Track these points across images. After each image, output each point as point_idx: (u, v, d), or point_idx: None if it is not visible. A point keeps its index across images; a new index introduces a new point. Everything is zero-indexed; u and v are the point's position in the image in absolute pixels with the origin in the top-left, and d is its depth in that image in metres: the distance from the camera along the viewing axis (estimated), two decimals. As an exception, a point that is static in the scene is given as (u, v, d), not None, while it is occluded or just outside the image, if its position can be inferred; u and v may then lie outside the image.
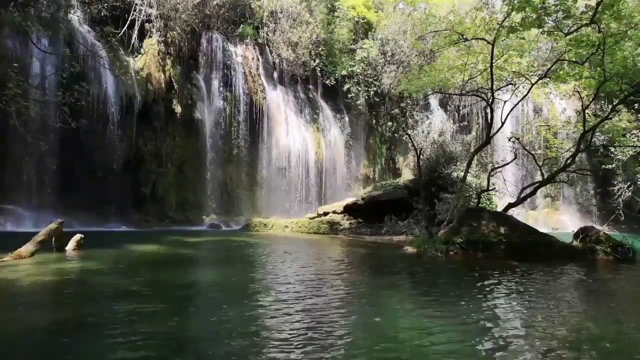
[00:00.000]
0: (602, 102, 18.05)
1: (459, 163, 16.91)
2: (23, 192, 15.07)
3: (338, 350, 3.35)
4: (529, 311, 4.76)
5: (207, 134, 20.29)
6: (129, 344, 3.44)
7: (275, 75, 23.71)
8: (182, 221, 18.84)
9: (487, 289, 6.01)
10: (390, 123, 26.28)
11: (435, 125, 22.48)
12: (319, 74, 24.86)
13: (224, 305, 4.82)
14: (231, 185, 21.12)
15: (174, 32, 19.67)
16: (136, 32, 18.65)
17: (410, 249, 10.23)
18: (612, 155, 18.03)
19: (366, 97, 25.38)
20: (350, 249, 11.07)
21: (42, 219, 13.56)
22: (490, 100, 11.83)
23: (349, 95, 25.18)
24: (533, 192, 13.02)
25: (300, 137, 23.06)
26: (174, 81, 19.68)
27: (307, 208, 21.85)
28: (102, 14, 17.98)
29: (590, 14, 9.42)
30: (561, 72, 12.23)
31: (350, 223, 16.49)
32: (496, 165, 14.47)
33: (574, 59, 10.93)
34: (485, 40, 11.30)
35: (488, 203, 14.81)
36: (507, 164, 13.36)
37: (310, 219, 17.48)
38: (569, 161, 11.92)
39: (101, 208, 16.17)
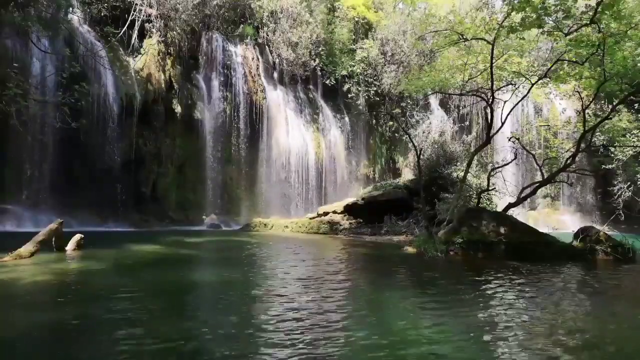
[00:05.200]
0: (602, 102, 18.06)
1: (459, 163, 16.91)
2: (23, 192, 15.07)
3: (337, 351, 3.35)
4: (529, 311, 4.75)
5: (207, 134, 20.28)
6: (128, 344, 3.44)
7: (276, 75, 23.71)
8: (182, 221, 18.83)
9: (487, 289, 6.00)
10: (390, 123, 26.27)
11: (435, 125, 22.50)
12: (319, 74, 24.86)
13: (224, 306, 4.82)
14: (231, 185, 21.11)
15: (174, 32, 19.66)
16: (136, 32, 18.64)
17: (410, 249, 10.23)
18: (612, 155, 18.03)
19: (366, 97, 25.38)
20: (350, 249, 11.07)
21: (42, 219, 13.54)
22: (490, 100, 11.82)
23: (349, 95, 25.18)
24: (533, 192, 13.01)
25: (300, 137, 23.06)
26: (174, 81, 19.67)
27: (307, 208, 21.86)
28: (102, 14, 17.97)
29: (590, 14, 9.41)
30: (561, 72, 12.23)
31: (350, 223, 16.49)
32: (496, 165, 14.46)
33: (574, 59, 10.91)
34: (485, 40, 11.29)
35: (488, 203, 14.80)
36: (507, 164, 13.35)
37: (310, 219, 17.48)
38: (569, 161, 11.90)
39: (101, 208, 16.14)
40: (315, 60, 23.92)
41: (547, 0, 9.72)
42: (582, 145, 11.82)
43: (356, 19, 26.07)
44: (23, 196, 15.00)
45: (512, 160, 13.35)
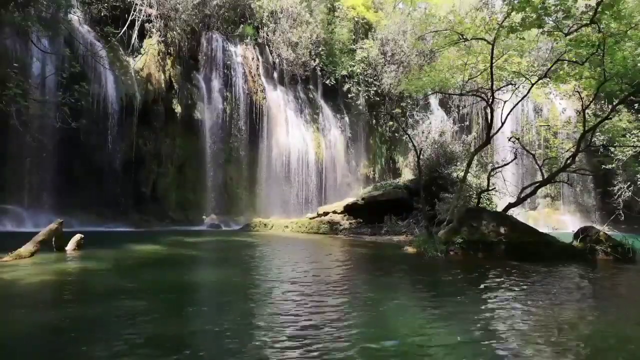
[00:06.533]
0: (602, 102, 18.05)
1: (459, 163, 16.91)
2: (23, 192, 15.06)
3: (336, 351, 3.35)
4: (529, 311, 4.75)
5: (207, 134, 20.28)
6: (128, 344, 3.44)
7: (276, 75, 23.71)
8: (182, 221, 18.84)
9: (487, 289, 6.01)
10: (390, 123, 26.28)
11: (435, 125, 22.45)
12: (319, 74, 24.87)
13: (224, 306, 4.82)
14: (231, 185, 21.11)
15: (174, 32, 19.66)
16: (136, 32, 18.64)
17: (410, 249, 10.23)
18: (612, 155, 18.02)
19: (366, 97, 25.38)
20: (350, 249, 11.07)
21: (42, 219, 13.55)
22: (490, 100, 11.82)
23: (349, 95, 25.19)
24: (533, 192, 13.00)
25: (300, 137, 23.07)
26: (174, 81, 19.67)
27: (307, 208, 21.86)
28: (102, 14, 17.97)
29: (590, 14, 9.41)
30: (561, 72, 12.23)
31: (350, 223, 16.49)
32: (496, 165, 14.46)
33: (574, 59, 10.91)
34: (485, 40, 11.29)
35: (488, 203, 14.80)
36: (507, 164, 13.35)
37: (310, 219, 17.49)
38: (569, 161, 11.91)
39: (101, 208, 16.15)
40: (315, 60, 23.92)
41: (547, 0, 9.72)
42: (582, 145, 11.82)
43: (356, 19, 26.08)
44: (23, 196, 14.99)
45: (512, 160, 13.36)
